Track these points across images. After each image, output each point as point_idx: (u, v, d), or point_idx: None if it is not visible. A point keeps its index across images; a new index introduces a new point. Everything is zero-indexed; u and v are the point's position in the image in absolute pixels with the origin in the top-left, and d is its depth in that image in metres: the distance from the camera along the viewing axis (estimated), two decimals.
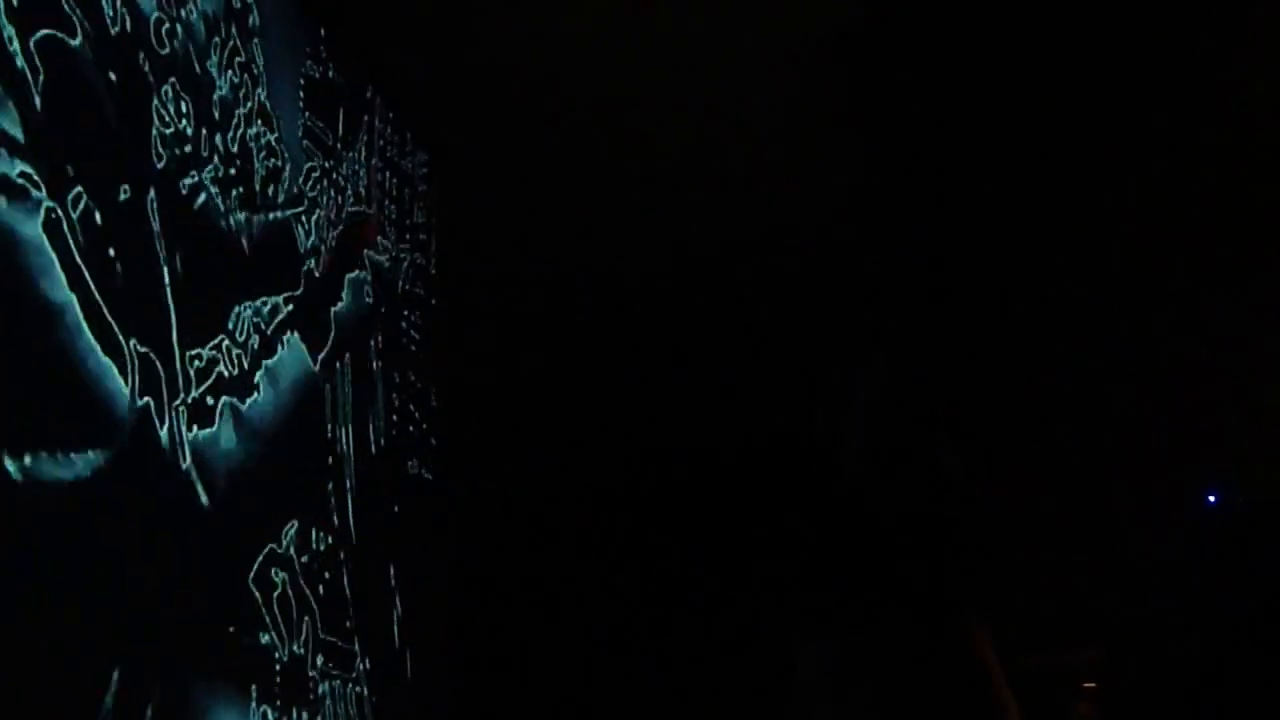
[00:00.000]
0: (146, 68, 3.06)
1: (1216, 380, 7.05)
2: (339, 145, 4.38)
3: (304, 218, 4.01)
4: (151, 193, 3.01)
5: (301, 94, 4.12)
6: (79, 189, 2.69)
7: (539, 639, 6.55)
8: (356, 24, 4.55)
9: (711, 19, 5.03)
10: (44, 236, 2.52)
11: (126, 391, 2.78)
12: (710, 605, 6.97)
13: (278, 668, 3.47)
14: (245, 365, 3.45)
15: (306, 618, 3.67)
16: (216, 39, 3.46)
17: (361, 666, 4.10)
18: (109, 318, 2.72)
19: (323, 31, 4.29)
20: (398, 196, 4.97)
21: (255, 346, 3.54)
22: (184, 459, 3.02)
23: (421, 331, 5.08)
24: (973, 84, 5.28)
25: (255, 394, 3.48)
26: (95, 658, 2.63)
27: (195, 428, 3.10)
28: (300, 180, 4.02)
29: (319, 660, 3.75)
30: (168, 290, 3.05)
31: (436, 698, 4.90)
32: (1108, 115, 5.50)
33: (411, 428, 4.91)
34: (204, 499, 3.12)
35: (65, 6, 2.72)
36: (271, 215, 3.75)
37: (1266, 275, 6.49)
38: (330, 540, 3.95)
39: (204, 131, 3.34)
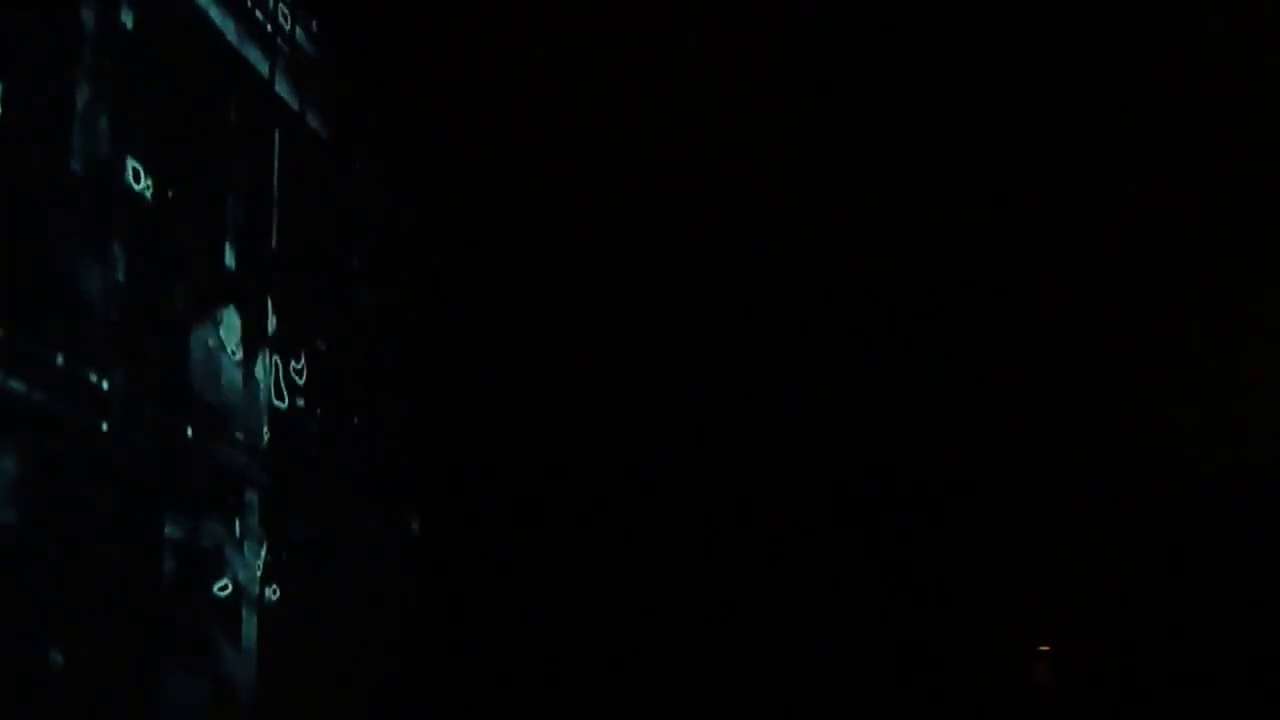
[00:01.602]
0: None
1: (1187, 356, 7.14)
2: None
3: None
4: None
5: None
6: None
7: (524, 609, 6.60)
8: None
9: None
10: None
11: None
12: (705, 576, 7.03)
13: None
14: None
15: None
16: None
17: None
18: None
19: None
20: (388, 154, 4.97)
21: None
22: None
23: (412, 295, 5.08)
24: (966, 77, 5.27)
25: None
26: None
27: None
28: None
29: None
30: None
31: (418, 665, 4.97)
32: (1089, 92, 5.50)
33: (401, 393, 4.92)
34: None
35: None
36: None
37: (1247, 252, 6.56)
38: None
39: None
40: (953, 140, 5.57)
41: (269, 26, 3.87)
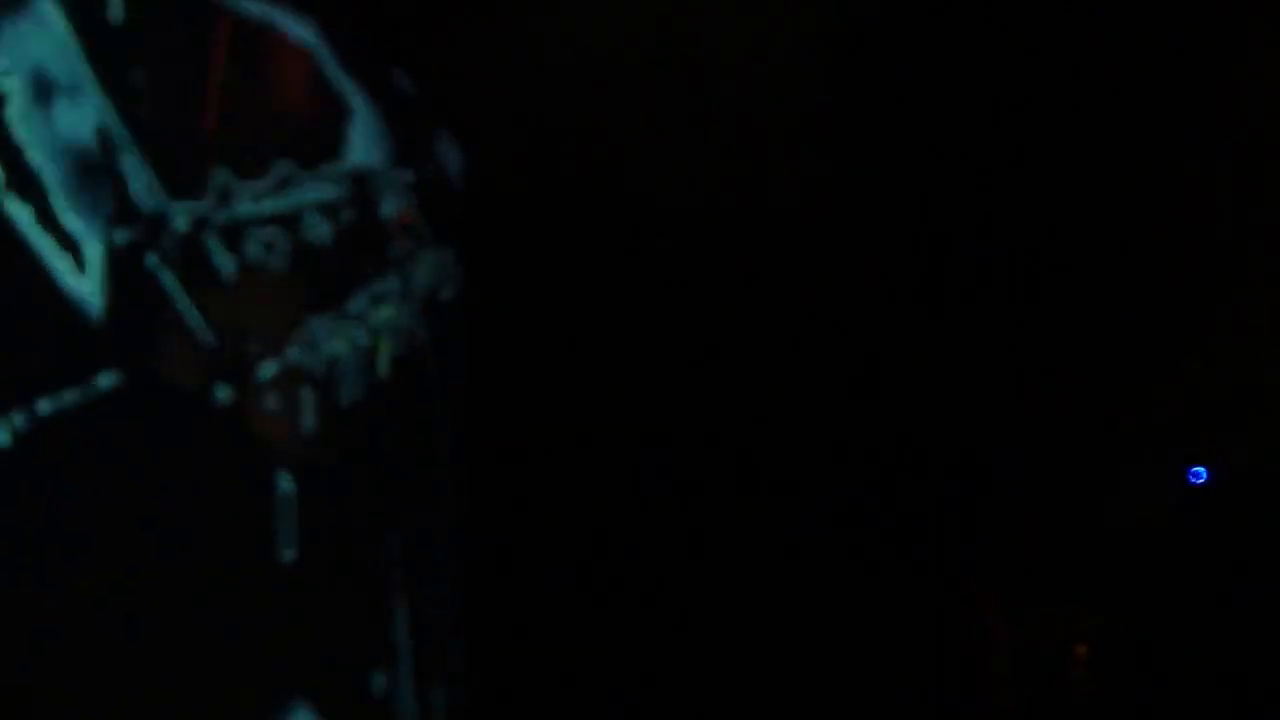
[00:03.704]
0: None
1: (1210, 354, 7.14)
2: None
3: None
4: None
5: None
6: None
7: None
8: None
9: None
10: None
11: None
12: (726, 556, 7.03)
13: None
14: None
15: None
16: None
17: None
18: None
19: None
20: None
21: None
22: None
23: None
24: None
25: None
26: None
27: None
28: None
29: None
30: None
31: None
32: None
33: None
34: None
35: None
36: None
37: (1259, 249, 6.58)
38: None
39: None
40: (953, 136, 5.65)
41: None
